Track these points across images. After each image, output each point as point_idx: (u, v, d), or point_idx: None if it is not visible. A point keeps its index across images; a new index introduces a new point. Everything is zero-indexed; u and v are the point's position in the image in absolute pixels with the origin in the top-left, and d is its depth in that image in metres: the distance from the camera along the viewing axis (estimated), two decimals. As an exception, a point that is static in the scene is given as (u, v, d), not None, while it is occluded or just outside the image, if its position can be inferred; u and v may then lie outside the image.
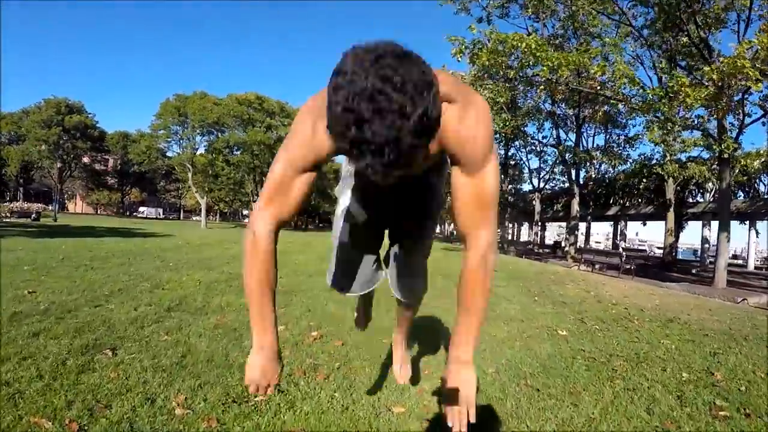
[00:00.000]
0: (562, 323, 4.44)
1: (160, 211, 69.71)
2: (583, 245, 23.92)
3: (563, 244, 30.15)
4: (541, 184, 26.89)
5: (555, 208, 33.47)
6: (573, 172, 19.13)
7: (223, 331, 3.38)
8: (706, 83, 8.59)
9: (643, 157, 20.46)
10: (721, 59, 8.33)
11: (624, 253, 13.45)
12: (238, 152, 32.41)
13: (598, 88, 9.93)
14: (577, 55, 8.55)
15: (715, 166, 18.37)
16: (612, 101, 10.39)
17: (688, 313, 5.92)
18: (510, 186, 27.90)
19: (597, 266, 13.62)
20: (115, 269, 6.45)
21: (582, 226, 25.35)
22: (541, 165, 26.65)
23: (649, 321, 5.07)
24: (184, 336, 3.26)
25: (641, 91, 9.31)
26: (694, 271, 17.72)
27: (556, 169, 26.84)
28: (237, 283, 5.63)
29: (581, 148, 18.96)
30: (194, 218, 61.68)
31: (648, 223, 29.14)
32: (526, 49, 8.07)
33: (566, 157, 18.62)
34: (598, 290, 7.45)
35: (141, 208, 67.36)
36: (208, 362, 2.71)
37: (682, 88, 8.31)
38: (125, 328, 3.50)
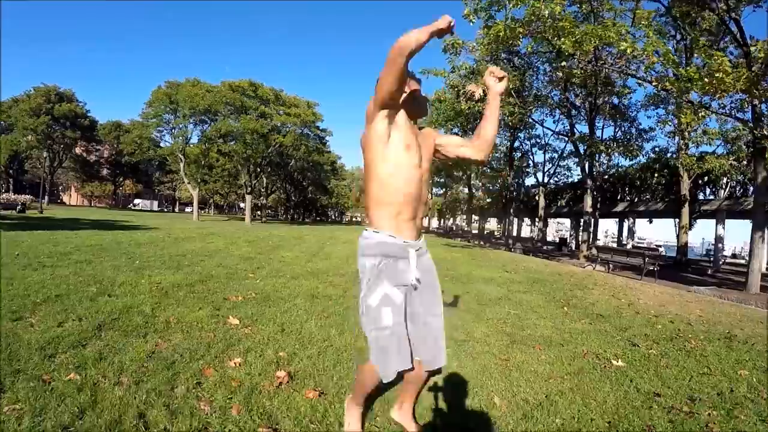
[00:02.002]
0: (611, 347, 3.47)
1: (156, 203, 68.77)
2: (590, 242, 23.01)
3: (569, 241, 29.28)
4: (546, 179, 25.89)
5: (559, 203, 32.49)
6: (586, 165, 17.92)
7: (155, 365, 2.41)
8: (750, 64, 7.63)
9: (658, 149, 19.49)
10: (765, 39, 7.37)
11: (646, 253, 12.48)
12: (232, 142, 31.16)
13: (626, 65, 8.93)
14: (602, 28, 7.55)
15: (731, 161, 17.45)
16: (639, 81, 9.42)
17: (741, 327, 5.04)
18: (514, 180, 26.91)
19: (611, 266, 12.67)
20: (69, 268, 5.52)
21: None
22: (546, 159, 25.64)
23: (705, 340, 4.15)
24: (99, 373, 2.30)
25: (674, 69, 8.33)
26: (709, 271, 16.82)
27: (561, 164, 25.82)
28: (200, 288, 4.64)
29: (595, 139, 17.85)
30: (189, 210, 60.71)
31: (654, 220, 28.21)
32: (548, 19, 7.06)
33: (580, 149, 17.54)
34: (629, 297, 6.50)
35: (136, 200, 66.37)
36: (108, 430, 1.75)
37: (721, 66, 7.34)
38: (30, 356, 2.58)
